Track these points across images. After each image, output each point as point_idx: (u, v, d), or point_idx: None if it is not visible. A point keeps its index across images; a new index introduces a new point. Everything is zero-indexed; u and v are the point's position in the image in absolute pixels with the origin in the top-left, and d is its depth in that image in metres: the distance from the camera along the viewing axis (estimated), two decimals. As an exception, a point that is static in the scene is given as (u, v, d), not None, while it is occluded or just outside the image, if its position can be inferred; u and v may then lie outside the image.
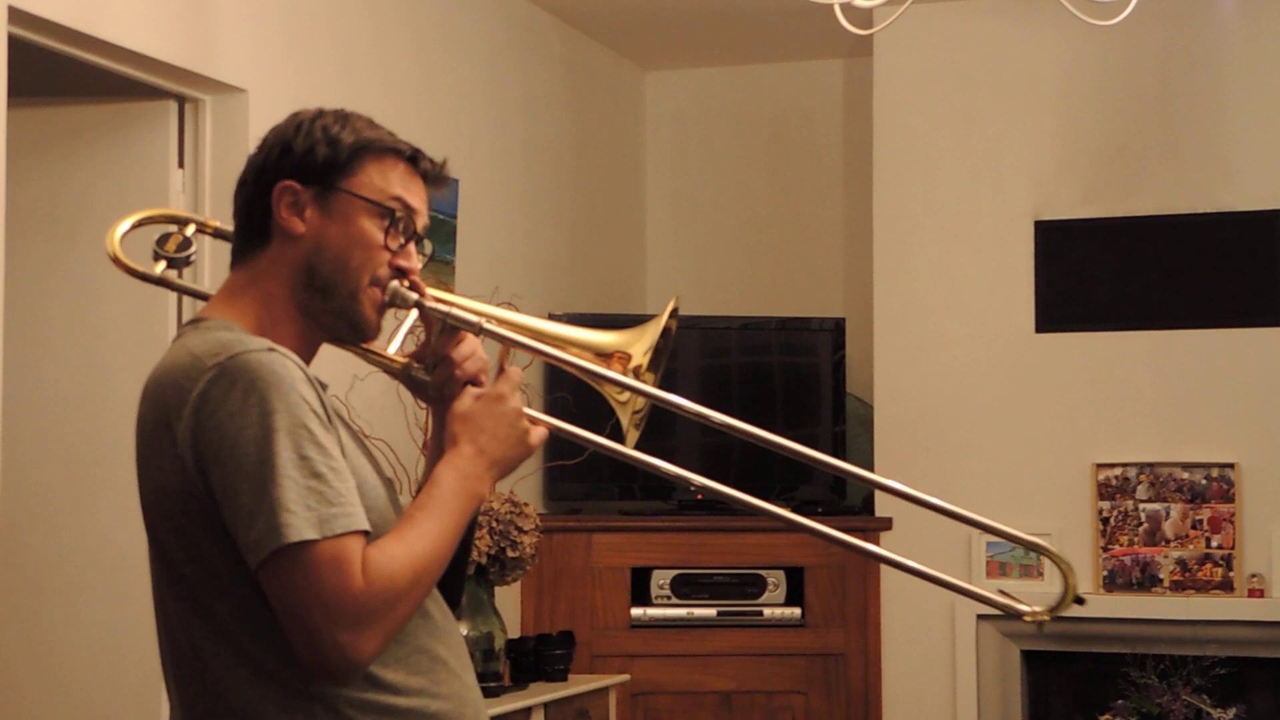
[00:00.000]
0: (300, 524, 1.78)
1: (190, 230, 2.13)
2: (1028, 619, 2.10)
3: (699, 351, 5.56)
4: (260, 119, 3.91)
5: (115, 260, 2.09)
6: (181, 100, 3.97)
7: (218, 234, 2.14)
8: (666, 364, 2.14)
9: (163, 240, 2.12)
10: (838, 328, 5.59)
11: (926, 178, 5.48)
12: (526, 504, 4.53)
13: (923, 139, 5.48)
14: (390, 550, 1.85)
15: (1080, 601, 2.05)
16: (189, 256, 2.12)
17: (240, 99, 3.99)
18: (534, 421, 2.00)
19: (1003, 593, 2.19)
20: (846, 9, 3.57)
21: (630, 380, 2.05)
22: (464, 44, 5.05)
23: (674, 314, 2.12)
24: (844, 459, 5.48)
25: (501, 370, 2.00)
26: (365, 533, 1.83)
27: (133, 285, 2.17)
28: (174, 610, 1.89)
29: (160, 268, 2.11)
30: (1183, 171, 5.24)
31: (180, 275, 2.14)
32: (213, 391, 1.82)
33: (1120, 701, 4.98)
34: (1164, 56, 5.26)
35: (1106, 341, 5.27)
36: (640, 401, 2.07)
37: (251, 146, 2.06)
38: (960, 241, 5.42)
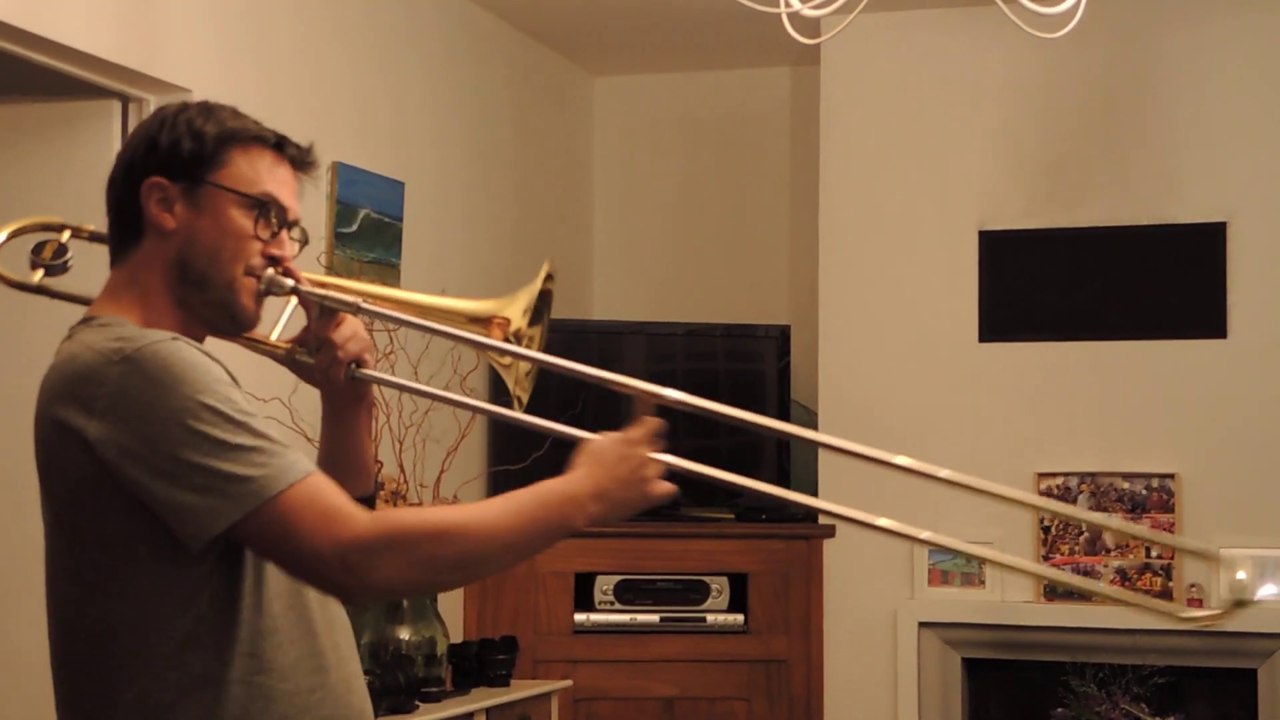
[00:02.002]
0: (266, 479, 1.81)
1: (65, 236, 2.13)
2: (1204, 625, 2.02)
3: (644, 357, 5.55)
4: (205, 119, 3.87)
5: None
6: (125, 99, 3.94)
7: (94, 237, 2.13)
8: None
9: (39, 248, 2.11)
10: (783, 335, 5.60)
11: (872, 187, 5.50)
12: (470, 509, 4.51)
13: (869, 148, 5.50)
14: (420, 510, 1.93)
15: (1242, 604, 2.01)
16: (66, 262, 2.12)
17: (184, 99, 3.94)
18: (662, 474, 1.96)
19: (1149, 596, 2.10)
20: (794, 18, 3.57)
21: (509, 345, 2.06)
22: (411, 47, 5.03)
23: (549, 277, 2.13)
24: (788, 466, 5.54)
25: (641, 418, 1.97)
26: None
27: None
28: (76, 594, 1.89)
29: (38, 276, 2.11)
30: (1126, 183, 5.28)
31: (45, 277, 2.12)
32: (129, 384, 1.83)
33: (1060, 710, 5.00)
34: (1108, 69, 5.30)
35: (1049, 351, 5.30)
36: (524, 364, 2.07)
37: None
38: (905, 251, 5.44)
